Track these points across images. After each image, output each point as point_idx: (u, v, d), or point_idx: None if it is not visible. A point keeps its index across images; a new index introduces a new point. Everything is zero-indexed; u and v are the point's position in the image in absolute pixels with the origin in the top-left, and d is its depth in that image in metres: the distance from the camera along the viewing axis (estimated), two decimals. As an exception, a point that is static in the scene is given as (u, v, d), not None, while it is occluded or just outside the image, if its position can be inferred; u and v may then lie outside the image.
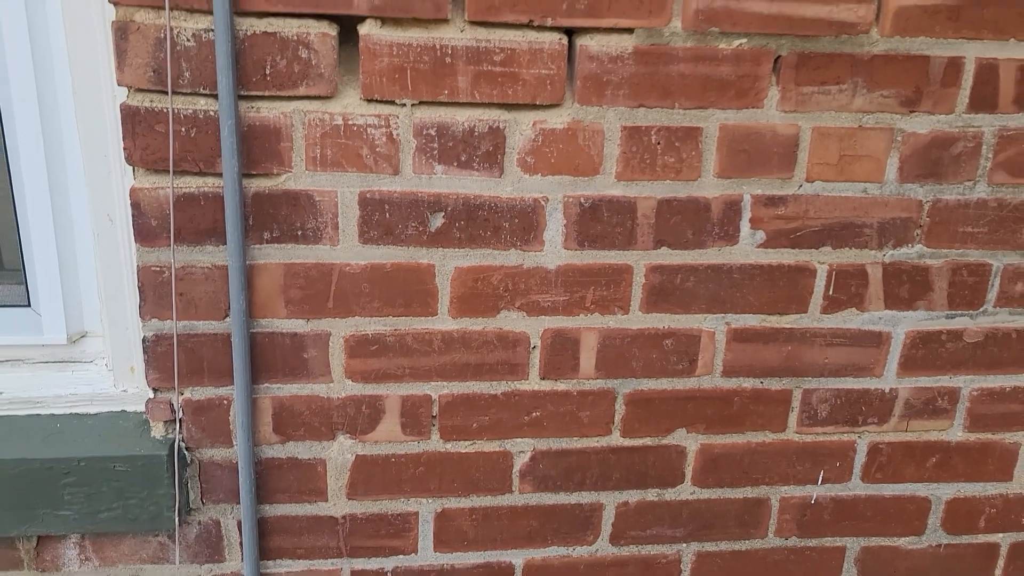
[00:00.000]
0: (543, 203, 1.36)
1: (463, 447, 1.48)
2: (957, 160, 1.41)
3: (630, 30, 1.28)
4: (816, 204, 1.41)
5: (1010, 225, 1.46)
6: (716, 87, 1.33)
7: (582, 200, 1.37)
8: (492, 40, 1.27)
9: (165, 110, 1.23)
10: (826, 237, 1.44)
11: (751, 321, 1.47)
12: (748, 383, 1.51)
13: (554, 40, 1.28)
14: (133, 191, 1.27)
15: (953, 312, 1.51)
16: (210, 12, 1.19)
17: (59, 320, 1.42)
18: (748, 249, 1.43)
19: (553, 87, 1.30)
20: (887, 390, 1.54)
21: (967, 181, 1.43)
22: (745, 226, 1.41)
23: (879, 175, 1.41)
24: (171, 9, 1.19)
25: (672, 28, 1.29)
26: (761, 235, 1.42)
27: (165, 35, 1.19)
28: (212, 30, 1.20)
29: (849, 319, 1.49)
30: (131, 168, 1.26)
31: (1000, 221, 1.45)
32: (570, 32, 1.29)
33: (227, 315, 1.35)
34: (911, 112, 1.37)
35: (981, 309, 1.51)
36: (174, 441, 1.39)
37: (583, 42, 1.29)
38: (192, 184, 1.28)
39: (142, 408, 1.40)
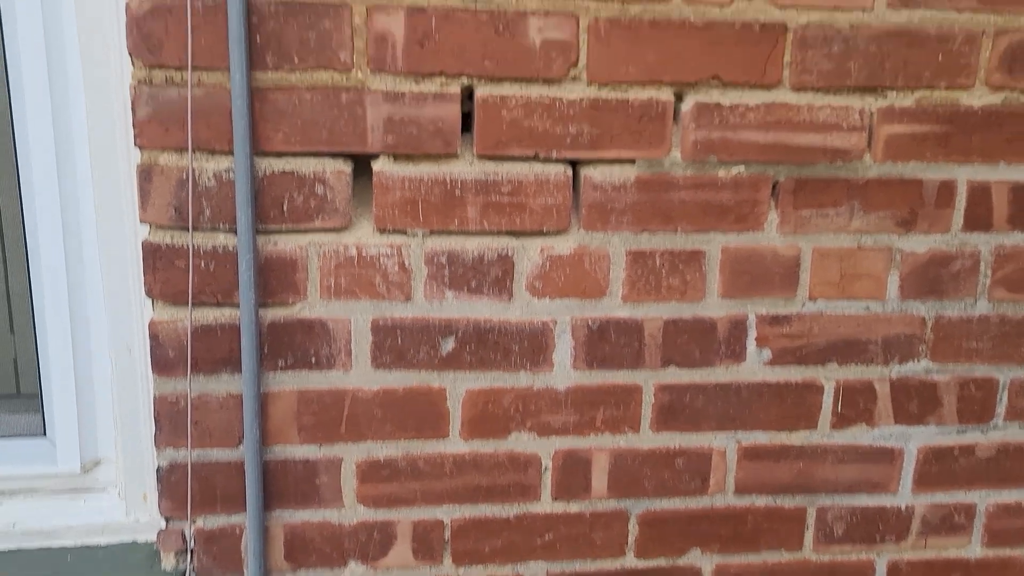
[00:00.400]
0: (552, 326, 1.38)
1: (476, 572, 1.46)
2: (956, 277, 1.44)
3: (632, 160, 1.34)
4: (820, 322, 1.44)
5: (1013, 340, 1.47)
6: (717, 212, 1.37)
7: (590, 322, 1.39)
8: (500, 172, 1.32)
9: (185, 246, 1.28)
10: (832, 354, 1.45)
11: (761, 438, 1.48)
12: (761, 501, 1.50)
13: (559, 171, 1.33)
14: (152, 324, 1.30)
15: (964, 427, 1.51)
16: (231, 153, 1.25)
17: (74, 449, 1.43)
18: (755, 367, 1.44)
19: (559, 215, 1.34)
20: (903, 507, 1.53)
21: (968, 298, 1.45)
22: (751, 344, 1.43)
23: (881, 293, 1.43)
24: (194, 151, 1.25)
25: (672, 158, 1.34)
26: (767, 353, 1.44)
27: (187, 176, 1.25)
28: (232, 170, 1.25)
29: (860, 435, 1.49)
30: (150, 300, 1.30)
31: (1003, 336, 1.47)
32: (574, 163, 1.34)
33: (241, 442, 1.36)
34: (908, 232, 1.41)
35: (991, 423, 1.52)
36: (185, 572, 1.37)
37: (587, 172, 1.34)
38: (210, 315, 1.31)
39: (153, 538, 1.40)
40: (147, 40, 1.20)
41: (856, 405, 1.47)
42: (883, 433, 1.49)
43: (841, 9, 1.30)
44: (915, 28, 1.32)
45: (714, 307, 1.41)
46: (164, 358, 1.31)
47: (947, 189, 1.40)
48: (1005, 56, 1.34)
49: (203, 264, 1.29)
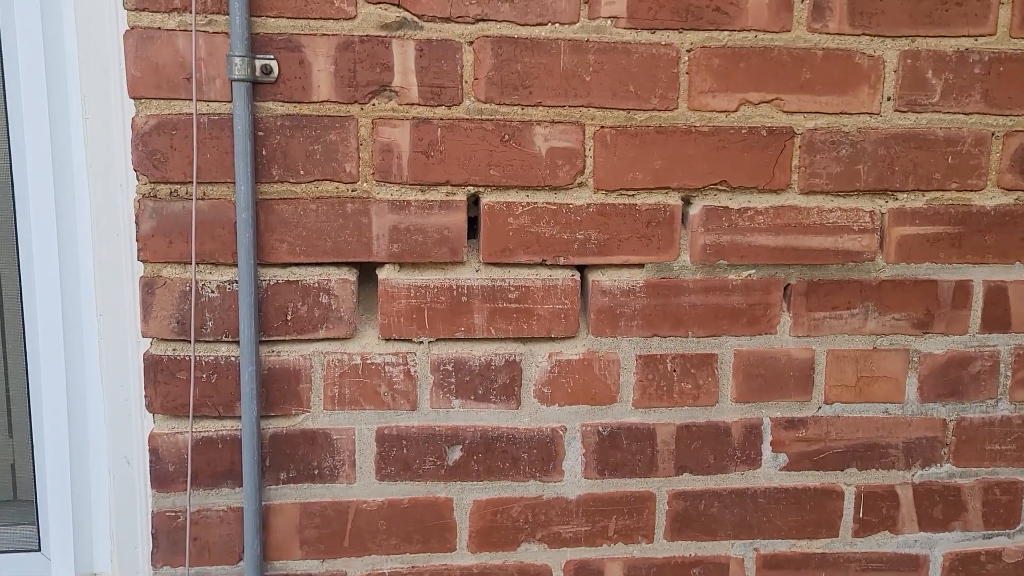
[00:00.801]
0: (561, 433, 1.35)
1: None
2: (977, 379, 1.40)
3: (640, 265, 1.32)
4: (837, 426, 1.40)
5: (1039, 442, 1.43)
6: (728, 315, 1.34)
7: (600, 429, 1.36)
8: (507, 279, 1.30)
9: (187, 358, 1.25)
10: (851, 458, 1.41)
11: (780, 547, 1.42)
12: (783, 614, 1.44)
13: (567, 277, 1.31)
14: (152, 437, 1.27)
15: (990, 532, 1.45)
16: (235, 265, 1.24)
17: (68, 563, 1.39)
18: (772, 472, 1.40)
19: (567, 320, 1.32)
20: (931, 619, 1.46)
21: (989, 399, 1.41)
22: (767, 449, 1.39)
23: (899, 395, 1.40)
24: (197, 264, 1.23)
25: (681, 262, 1.32)
26: (784, 458, 1.39)
27: (190, 288, 1.23)
28: (236, 281, 1.24)
29: (883, 542, 1.44)
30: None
31: (1028, 438, 1.43)
32: (582, 268, 1.32)
33: (241, 559, 1.31)
34: (925, 334, 1.38)
35: (1018, 527, 1.46)
36: None
37: (595, 277, 1.32)
38: (211, 428, 1.28)
39: (148, 661, 1.34)
40: (152, 156, 1.20)
41: (878, 511, 1.42)
42: (907, 540, 1.44)
43: (848, 113, 1.30)
44: (923, 131, 1.31)
45: (728, 411, 1.37)
46: (163, 472, 1.28)
47: (963, 290, 1.37)
48: (1016, 157, 1.33)
49: (205, 376, 1.27)
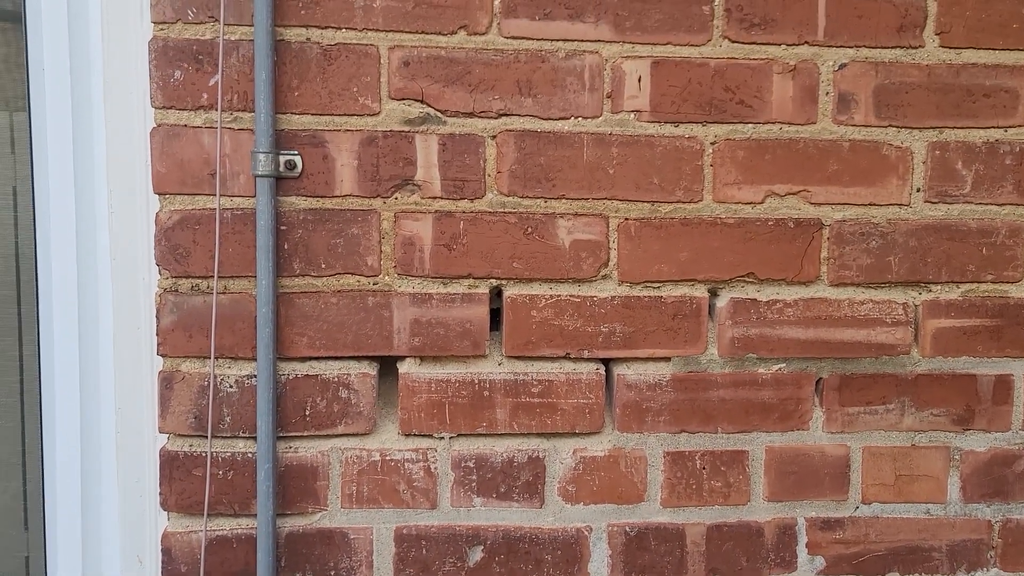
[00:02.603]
0: (587, 533, 1.30)
1: None
2: (1022, 478, 1.33)
3: (667, 359, 1.28)
4: (877, 527, 1.33)
5: (1092, 545, 1.35)
6: (758, 410, 1.30)
7: (627, 528, 1.30)
8: (530, 373, 1.27)
9: (203, 454, 1.23)
10: (892, 562, 1.34)
11: (820, 656, 1.34)
12: None
13: (591, 370, 1.28)
14: (166, 536, 1.24)
15: (1044, 642, 1.37)
16: (254, 359, 1.22)
17: (76, 665, 1.34)
18: (808, 576, 1.33)
19: (592, 415, 1.28)
20: None
21: (1036, 499, 1.34)
22: (802, 552, 1.33)
23: (941, 495, 1.33)
24: (216, 358, 1.22)
25: (709, 356, 1.28)
26: (821, 561, 1.33)
27: (209, 383, 1.21)
28: (255, 376, 1.22)
29: (929, 652, 1.35)
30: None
31: (1080, 541, 1.35)
32: (607, 362, 1.29)
33: (252, 665, 1.26)
34: (965, 430, 1.33)
35: (1075, 638, 1.37)
36: None
37: (620, 371, 1.28)
38: (225, 526, 1.25)
39: None
40: (175, 251, 1.19)
41: (922, 618, 1.34)
42: (955, 650, 1.35)
43: (877, 204, 1.27)
44: (955, 222, 1.28)
45: (760, 511, 1.32)
46: (176, 573, 1.24)
47: (1004, 384, 1.32)
48: (1052, 248, 1.29)
49: (221, 473, 1.24)
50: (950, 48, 1.25)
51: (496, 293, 1.27)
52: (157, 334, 1.21)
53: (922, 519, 1.33)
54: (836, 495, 1.32)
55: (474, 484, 1.28)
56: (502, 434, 1.28)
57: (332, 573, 1.26)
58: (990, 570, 1.35)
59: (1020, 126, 1.27)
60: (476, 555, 1.28)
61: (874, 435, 1.32)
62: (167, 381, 1.22)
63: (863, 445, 1.32)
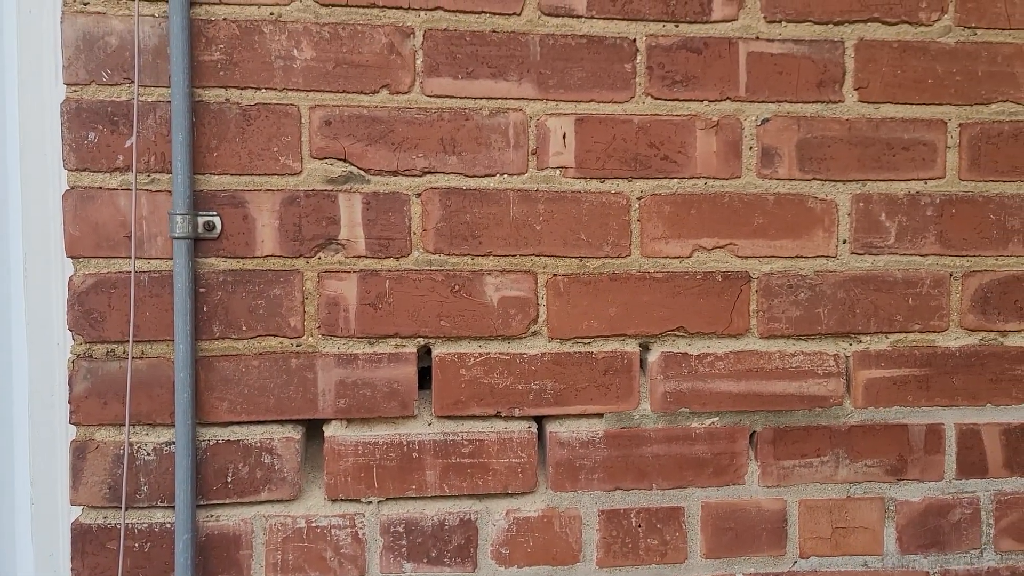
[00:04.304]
0: (521, 597, 1.26)
1: None
2: (958, 528, 1.33)
3: (599, 415, 1.27)
4: (815, 582, 1.31)
5: (1029, 594, 1.35)
6: (693, 465, 1.28)
7: (563, 591, 1.27)
8: (460, 432, 1.24)
9: (118, 526, 1.18)
10: (832, 617, 1.32)
11: None
12: None
13: (523, 429, 1.25)
14: (78, 613, 1.18)
15: None
16: (172, 426, 1.18)
17: None
18: (749, 635, 1.30)
19: (525, 475, 1.25)
20: None
21: (973, 550, 1.34)
22: (742, 610, 1.30)
23: (878, 547, 1.32)
24: (133, 425, 1.18)
25: (641, 411, 1.27)
26: (761, 619, 1.30)
27: (124, 451, 1.17)
28: (173, 443, 1.18)
29: None
30: (77, 590, 1.19)
31: (1018, 590, 1.34)
32: (539, 419, 1.27)
33: None
34: (899, 480, 1.32)
35: None
36: None
37: (553, 429, 1.26)
38: (142, 601, 1.19)
39: None
40: (88, 315, 1.16)
41: (865, 674, 1.32)
42: None
43: (804, 257, 1.28)
44: (881, 273, 1.29)
45: (698, 568, 1.29)
46: (89, 653, 1.18)
47: (935, 434, 1.32)
48: (976, 298, 1.31)
49: (137, 545, 1.19)
50: (869, 103, 1.27)
51: (425, 352, 1.24)
52: (70, 402, 1.17)
53: (860, 572, 1.32)
54: (774, 550, 1.30)
55: (404, 549, 1.24)
56: (433, 496, 1.25)
57: (256, 647, 1.21)
58: (930, 623, 1.33)
59: (939, 178, 1.29)
60: (407, 623, 1.24)
61: (810, 488, 1.31)
62: (80, 451, 1.17)
63: (799, 498, 1.31)
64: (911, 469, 1.32)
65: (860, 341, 1.30)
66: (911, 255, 1.29)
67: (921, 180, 1.29)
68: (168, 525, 1.19)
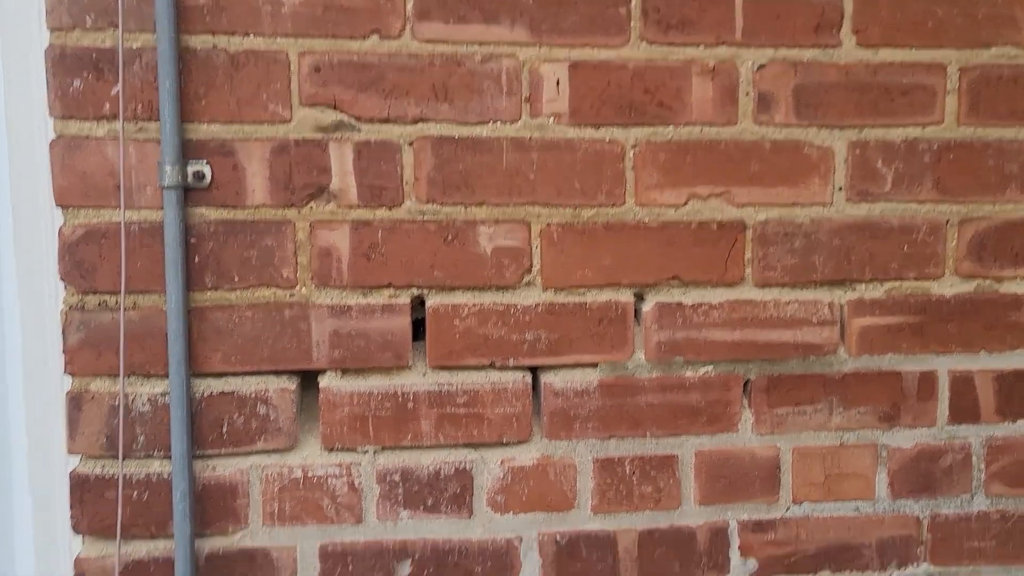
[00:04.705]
0: (516, 543, 1.28)
1: None
2: (949, 473, 1.34)
3: (594, 365, 1.27)
4: (807, 527, 1.33)
5: (1018, 538, 1.36)
6: (687, 414, 1.29)
7: (558, 537, 1.28)
8: (455, 383, 1.25)
9: (116, 476, 1.18)
10: (823, 561, 1.34)
11: (754, 658, 1.34)
12: None
13: (517, 379, 1.26)
14: (79, 561, 1.20)
15: (975, 635, 1.38)
16: (166, 376, 1.18)
17: None
18: (741, 579, 1.32)
19: (520, 424, 1.26)
20: None
21: (964, 494, 1.35)
22: (735, 554, 1.32)
23: (869, 492, 1.34)
24: (127, 376, 1.18)
25: (636, 361, 1.27)
26: (753, 563, 1.32)
27: (119, 402, 1.17)
28: (168, 394, 1.18)
29: (862, 650, 1.36)
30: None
31: (1008, 534, 1.36)
32: (534, 370, 1.27)
33: None
34: (892, 427, 1.33)
35: (1005, 630, 1.38)
36: None
37: (547, 379, 1.27)
38: (142, 549, 1.21)
39: None
40: (80, 266, 1.15)
41: (855, 616, 1.35)
42: (887, 647, 1.36)
43: (800, 204, 1.27)
44: (877, 220, 1.28)
45: (692, 515, 1.31)
46: (90, 600, 1.19)
47: (928, 381, 1.32)
48: (972, 244, 1.30)
49: (135, 494, 1.20)
50: (867, 47, 1.25)
51: (419, 303, 1.24)
52: (64, 352, 1.16)
53: (852, 517, 1.33)
54: (767, 496, 1.32)
55: (400, 498, 1.25)
56: (428, 446, 1.25)
57: (255, 594, 1.23)
58: (920, 565, 1.35)
59: (938, 123, 1.27)
60: (404, 570, 1.26)
61: (803, 435, 1.32)
62: (75, 401, 1.18)
63: (793, 446, 1.32)
64: (904, 416, 1.32)
65: (855, 289, 1.30)
66: (907, 202, 1.29)
67: (919, 126, 1.28)
68: (165, 475, 1.20)
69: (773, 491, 1.32)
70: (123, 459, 1.18)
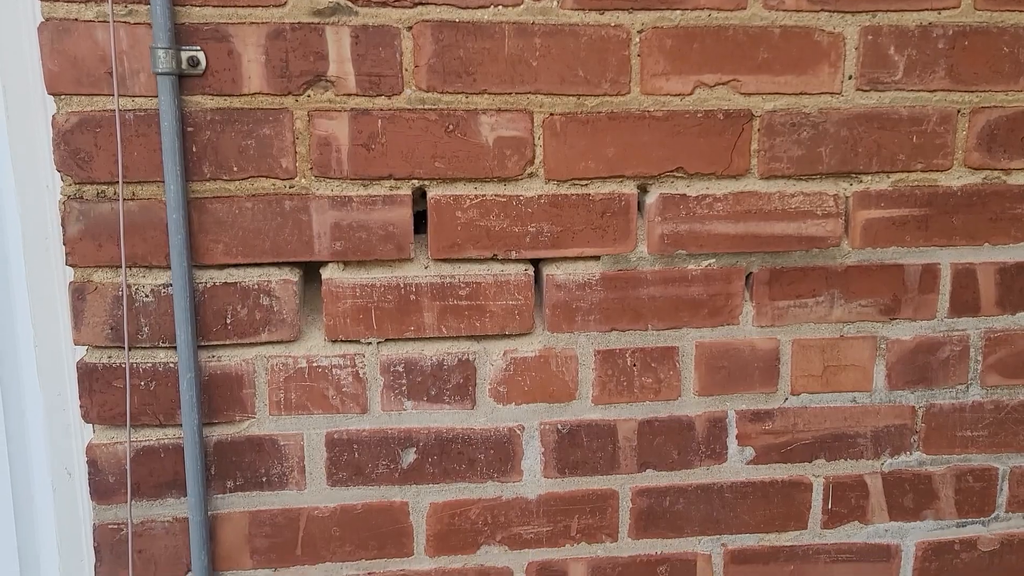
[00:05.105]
0: (519, 432, 1.30)
1: None
2: (946, 364, 1.36)
3: (596, 257, 1.27)
4: (804, 417, 1.35)
5: (1011, 427, 1.39)
6: (688, 307, 1.30)
7: (559, 426, 1.31)
8: (457, 275, 1.25)
9: (123, 365, 1.20)
10: (819, 449, 1.37)
11: (748, 541, 1.38)
12: (751, 610, 1.40)
13: (520, 271, 1.26)
14: (90, 448, 1.22)
15: (964, 520, 1.42)
16: (168, 268, 1.18)
17: (14, 577, 1.34)
18: (738, 466, 1.36)
19: (522, 316, 1.27)
20: (902, 611, 1.43)
21: (959, 385, 1.37)
22: (732, 443, 1.35)
23: (867, 384, 1.35)
24: (129, 267, 1.18)
25: (638, 253, 1.27)
26: (750, 451, 1.35)
27: (123, 293, 1.18)
28: (170, 285, 1.18)
29: (853, 533, 1.40)
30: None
31: (1000, 423, 1.39)
32: (536, 262, 1.27)
33: (189, 570, 1.27)
34: (892, 320, 1.34)
35: (993, 515, 1.42)
36: None
37: (549, 271, 1.27)
38: (152, 437, 1.23)
39: None
40: (76, 155, 1.13)
41: (848, 502, 1.39)
42: (878, 530, 1.40)
43: (808, 94, 1.24)
44: (886, 110, 1.26)
45: (691, 405, 1.33)
46: (103, 484, 1.23)
47: (930, 273, 1.32)
48: (983, 135, 1.28)
49: (143, 384, 1.21)
50: (884, -75, 1.20)
51: (420, 195, 1.23)
52: (65, 243, 1.16)
53: (848, 407, 1.36)
54: (766, 388, 1.34)
55: (404, 388, 1.27)
56: (431, 338, 1.26)
57: (264, 480, 1.26)
58: (913, 453, 1.38)
59: (953, 8, 1.23)
60: (409, 457, 1.29)
61: (803, 328, 1.32)
62: (79, 292, 1.18)
63: (792, 338, 1.33)
64: (904, 308, 1.33)
65: (861, 181, 1.28)
66: (919, 91, 1.26)
67: (935, 10, 1.23)
68: (171, 365, 1.21)
69: (772, 382, 1.34)
70: (129, 349, 1.19)
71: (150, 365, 1.21)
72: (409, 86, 1.18)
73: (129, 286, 1.18)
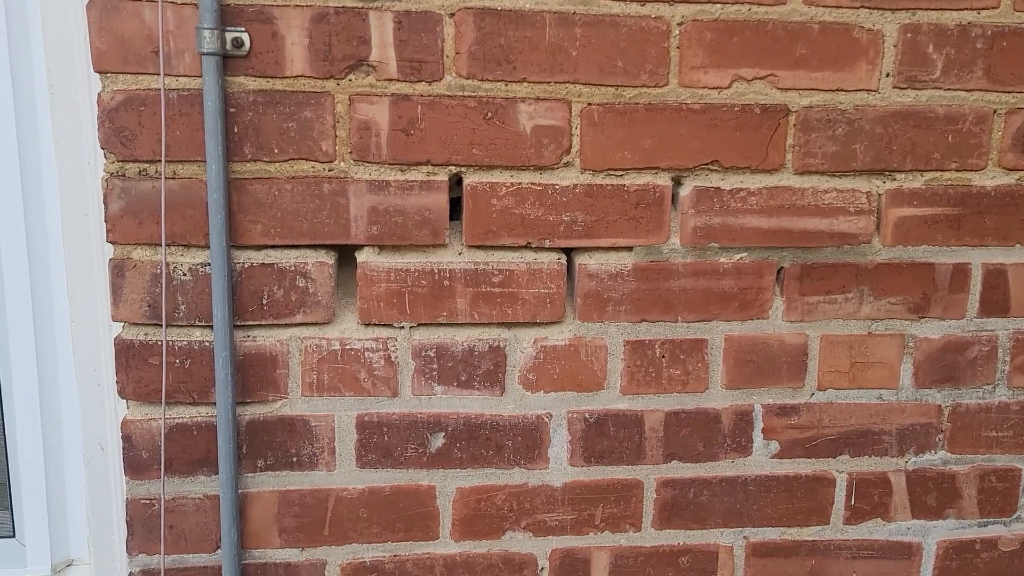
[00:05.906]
0: (547, 420, 1.31)
1: None
2: (973, 364, 1.36)
3: (629, 248, 1.28)
4: (830, 412, 1.36)
5: (1036, 429, 1.40)
6: (719, 300, 1.30)
7: (587, 415, 1.32)
8: (490, 262, 1.26)
9: (159, 343, 1.21)
10: (843, 445, 1.38)
11: (771, 534, 1.39)
12: (772, 603, 1.41)
13: (552, 260, 1.27)
14: (125, 423, 1.24)
15: (985, 520, 1.43)
16: (207, 247, 1.19)
17: (44, 550, 1.36)
18: (763, 460, 1.37)
19: (553, 305, 1.28)
20: (922, 608, 1.44)
21: (986, 385, 1.37)
22: (758, 437, 1.36)
23: (894, 381, 1.36)
24: (168, 246, 1.19)
25: (671, 245, 1.28)
26: (775, 445, 1.36)
27: (161, 271, 1.19)
28: (208, 264, 1.19)
29: (875, 529, 1.41)
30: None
31: (1025, 425, 1.39)
32: (569, 251, 1.28)
33: (218, 547, 1.28)
34: (921, 318, 1.34)
35: (1014, 516, 1.43)
36: None
37: (582, 261, 1.28)
38: (185, 414, 1.25)
39: (124, 651, 1.32)
40: (120, 133, 1.15)
41: (871, 498, 1.39)
42: (900, 528, 1.41)
43: (845, 91, 1.25)
44: (923, 109, 1.26)
45: (718, 398, 1.34)
46: (137, 459, 1.24)
47: (961, 273, 1.33)
48: (1018, 136, 1.28)
49: (178, 361, 1.23)
50: (927, -76, 1.20)
51: (456, 181, 1.24)
52: (106, 220, 1.17)
53: (874, 404, 1.36)
54: (793, 382, 1.34)
55: (435, 373, 1.28)
56: (463, 323, 1.27)
57: (295, 459, 1.27)
58: (938, 452, 1.39)
59: (993, 8, 1.24)
60: (438, 441, 1.30)
61: (832, 324, 1.33)
62: (118, 269, 1.19)
63: (821, 334, 1.33)
64: (934, 307, 1.33)
65: (894, 179, 1.29)
66: (956, 90, 1.26)
67: (974, 10, 1.24)
68: (207, 343, 1.22)
69: (799, 377, 1.34)
70: (166, 327, 1.20)
71: (186, 343, 1.23)
72: (449, 72, 1.18)
73: (168, 264, 1.19)
